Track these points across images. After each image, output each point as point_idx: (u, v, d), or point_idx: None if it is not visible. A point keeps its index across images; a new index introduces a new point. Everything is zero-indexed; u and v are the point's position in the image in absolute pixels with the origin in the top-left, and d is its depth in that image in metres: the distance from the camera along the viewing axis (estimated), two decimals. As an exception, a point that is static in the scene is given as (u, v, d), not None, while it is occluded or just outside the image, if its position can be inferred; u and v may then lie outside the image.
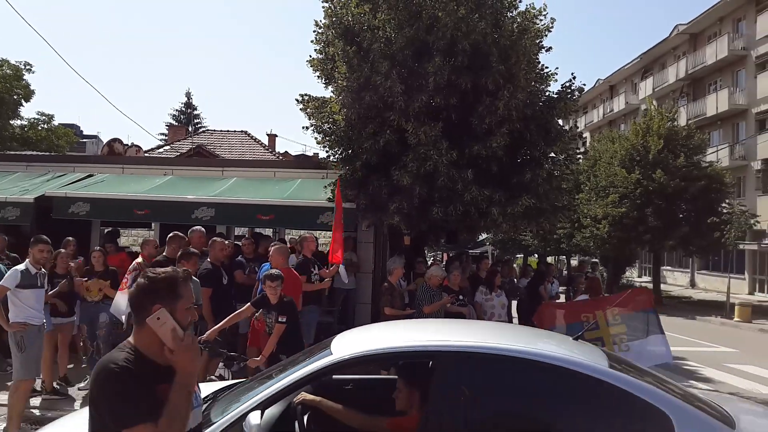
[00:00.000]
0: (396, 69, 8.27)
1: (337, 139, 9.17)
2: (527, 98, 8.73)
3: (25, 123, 34.59)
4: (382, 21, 8.47)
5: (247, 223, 10.43)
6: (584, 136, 42.78)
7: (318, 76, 9.77)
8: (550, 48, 9.28)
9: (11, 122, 33.30)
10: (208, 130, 31.98)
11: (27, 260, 6.11)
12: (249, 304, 5.89)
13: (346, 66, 8.51)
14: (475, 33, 8.13)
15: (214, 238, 7.40)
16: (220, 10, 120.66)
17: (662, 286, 26.73)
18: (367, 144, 8.49)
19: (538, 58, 9.19)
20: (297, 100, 9.94)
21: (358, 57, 8.47)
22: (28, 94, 33.68)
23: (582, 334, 4.38)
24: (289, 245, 8.67)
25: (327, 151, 9.82)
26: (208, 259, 7.12)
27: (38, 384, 7.01)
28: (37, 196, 9.38)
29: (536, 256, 33.90)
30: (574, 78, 9.40)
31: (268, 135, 30.81)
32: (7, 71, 32.39)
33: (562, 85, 9.45)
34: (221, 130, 27.69)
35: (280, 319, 5.49)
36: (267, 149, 26.22)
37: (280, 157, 24.72)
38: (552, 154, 9.55)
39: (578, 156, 10.66)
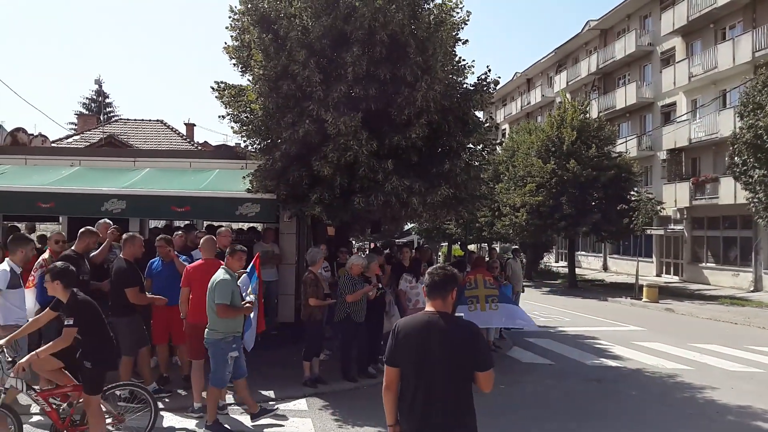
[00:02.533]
0: (314, 58, 8.17)
1: (255, 128, 9.01)
2: (445, 90, 8.84)
3: None
4: (298, 9, 8.33)
5: (161, 216, 10.09)
6: (503, 127, 44.22)
7: (234, 64, 9.53)
8: (467, 41, 9.45)
9: None
10: (121, 119, 30.57)
11: (7, 259, 5.75)
12: (48, 308, 5.21)
13: (262, 54, 8.33)
14: (393, 24, 8.14)
15: (132, 234, 7.11)
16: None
17: (577, 270, 28.05)
18: (286, 134, 8.37)
19: (455, 51, 9.32)
20: (212, 88, 9.67)
21: (275, 45, 8.31)
22: None
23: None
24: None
25: (245, 141, 9.60)
26: (122, 255, 6.78)
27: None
28: (-75, 188, 8.68)
29: (459, 244, 34.70)
30: (490, 71, 9.61)
31: (186, 124, 29.78)
32: None
33: (477, 77, 9.65)
34: (135, 119, 26.53)
35: (67, 322, 4.83)
36: (185, 139, 25.33)
37: (199, 147, 23.95)
38: (470, 145, 9.74)
39: (495, 146, 10.94)
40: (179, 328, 6.89)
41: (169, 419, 6.42)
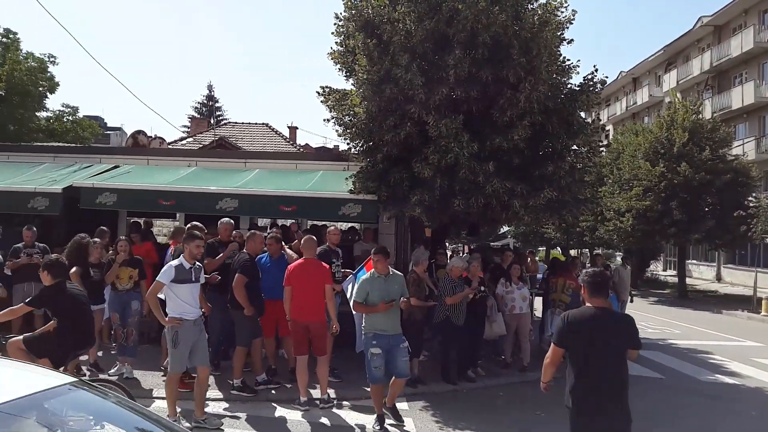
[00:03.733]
0: (416, 61, 8.28)
1: (358, 131, 9.22)
2: (549, 91, 8.66)
3: (51, 115, 35.15)
4: (401, 14, 8.48)
5: (269, 215, 10.57)
6: (607, 128, 42.15)
7: (339, 69, 9.84)
8: (572, 40, 9.21)
9: (37, 114, 33.87)
10: (229, 122, 32.27)
11: (182, 255, 6.14)
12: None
13: (366, 59, 8.54)
14: (496, 25, 8.09)
15: (253, 231, 7.58)
16: (240, 3, 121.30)
17: (688, 280, 26.37)
18: (388, 136, 8.53)
19: (559, 51, 9.12)
20: (318, 93, 10.02)
21: (378, 50, 8.50)
22: (52, 86, 34.16)
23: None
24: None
25: (348, 144, 9.87)
26: (245, 250, 7.32)
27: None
28: (65, 186, 9.61)
29: (559, 248, 33.66)
30: (596, 70, 9.30)
31: (289, 127, 30.95)
32: (32, 64, 32.91)
33: (584, 77, 9.36)
34: (243, 123, 27.92)
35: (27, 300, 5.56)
36: (288, 141, 26.36)
37: (301, 149, 24.83)
38: (574, 147, 9.48)
39: (601, 149, 10.56)
40: (286, 321, 7.20)
41: (278, 410, 6.71)
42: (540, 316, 11.18)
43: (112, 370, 7.64)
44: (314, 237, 7.27)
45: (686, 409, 7.50)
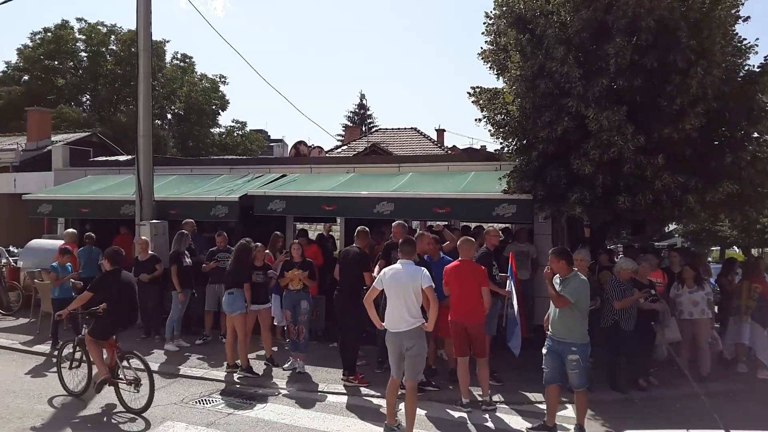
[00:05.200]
0: (572, 53, 7.96)
1: (511, 129, 9.06)
2: (724, 74, 7.87)
3: (223, 130, 38.87)
4: (556, 5, 8.22)
5: (424, 217, 10.77)
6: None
7: (489, 68, 9.73)
8: (748, 17, 8.29)
9: (211, 130, 37.62)
10: (380, 128, 33.35)
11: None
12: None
13: (519, 55, 8.38)
14: (660, 8, 7.53)
15: (421, 232, 7.81)
16: (386, 12, 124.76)
17: None
18: (544, 133, 8.27)
19: (734, 30, 8.26)
20: (468, 93, 9.97)
21: (532, 44, 8.30)
22: (224, 104, 37.84)
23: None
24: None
25: (501, 143, 9.73)
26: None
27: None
28: (241, 195, 10.58)
29: (736, 248, 30.40)
30: (779, 48, 8.28)
31: (436, 130, 31.27)
32: (206, 85, 36.63)
33: (765, 57, 8.38)
34: (392, 128, 28.73)
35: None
36: (436, 144, 26.67)
37: (449, 151, 24.96)
38: (756, 134, 8.52)
39: (789, 135, 9.37)
40: (445, 322, 7.27)
41: (440, 411, 6.77)
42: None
43: (286, 365, 8.25)
44: (472, 239, 7.28)
45: None
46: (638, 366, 7.84)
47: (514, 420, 6.55)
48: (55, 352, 7.31)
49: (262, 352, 8.53)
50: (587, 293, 6.05)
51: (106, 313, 6.54)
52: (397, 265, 5.89)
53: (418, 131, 27.45)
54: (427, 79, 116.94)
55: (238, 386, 7.54)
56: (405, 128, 27.98)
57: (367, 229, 8.13)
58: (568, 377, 5.99)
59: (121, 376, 6.55)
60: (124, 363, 6.59)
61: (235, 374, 7.90)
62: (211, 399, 7.00)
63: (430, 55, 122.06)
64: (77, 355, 7.12)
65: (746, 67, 8.48)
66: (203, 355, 8.86)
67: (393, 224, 8.16)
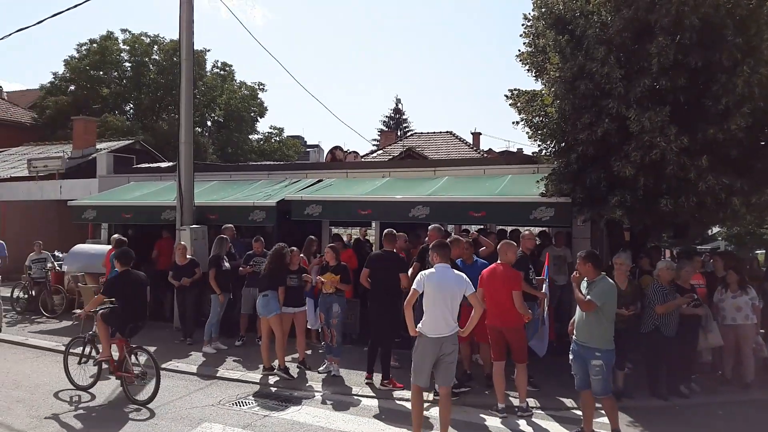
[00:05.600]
0: (613, 54, 7.81)
1: (550, 131, 8.92)
2: (772, 72, 7.62)
3: (261, 137, 39.45)
4: (596, 5, 8.07)
5: (459, 221, 10.69)
6: None
7: (527, 70, 9.61)
8: (800, 12, 7.98)
9: (250, 137, 38.22)
10: (415, 132, 33.35)
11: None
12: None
13: (558, 56, 8.27)
14: (705, 6, 7.32)
15: (456, 236, 7.76)
16: (422, 18, 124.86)
17: None
18: (583, 135, 8.12)
19: (783, 26, 7.97)
20: (506, 96, 9.87)
21: (571, 45, 8.18)
22: (262, 111, 38.39)
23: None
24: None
25: (539, 145, 9.59)
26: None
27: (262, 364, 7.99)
28: (278, 200, 10.70)
29: (785, 252, 29.28)
30: (836, 43, 7.93)
31: (472, 133, 31.15)
32: (245, 92, 37.24)
33: (818, 53, 8.04)
34: (427, 132, 28.67)
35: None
36: (471, 147, 26.53)
37: (485, 155, 24.79)
38: (807, 134, 8.19)
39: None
40: (481, 327, 7.18)
41: (474, 416, 6.71)
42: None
43: (321, 368, 8.28)
44: (512, 242, 7.19)
45: None
46: (680, 373, 7.61)
47: (552, 426, 6.43)
48: (86, 351, 7.64)
49: (297, 355, 8.58)
50: (614, 297, 5.90)
51: (119, 311, 7.10)
52: (439, 269, 5.72)
53: (454, 135, 27.34)
54: (462, 82, 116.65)
55: (273, 389, 7.60)
56: (440, 132, 27.89)
57: (395, 231, 8.13)
58: (591, 383, 5.85)
59: (128, 370, 6.96)
60: (133, 359, 7.07)
61: (270, 377, 7.97)
62: (246, 401, 7.07)
63: (465, 58, 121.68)
64: (87, 350, 7.58)
65: (796, 65, 8.17)
66: (239, 358, 8.97)
67: (429, 227, 8.13)
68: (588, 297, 5.85)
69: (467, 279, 5.76)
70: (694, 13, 7.34)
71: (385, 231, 8.07)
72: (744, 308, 8.03)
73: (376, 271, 7.75)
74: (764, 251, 32.55)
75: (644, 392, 7.48)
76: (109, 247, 11.41)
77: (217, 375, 8.14)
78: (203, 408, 6.76)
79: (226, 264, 9.73)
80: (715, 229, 29.15)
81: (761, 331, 8.81)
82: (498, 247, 7.11)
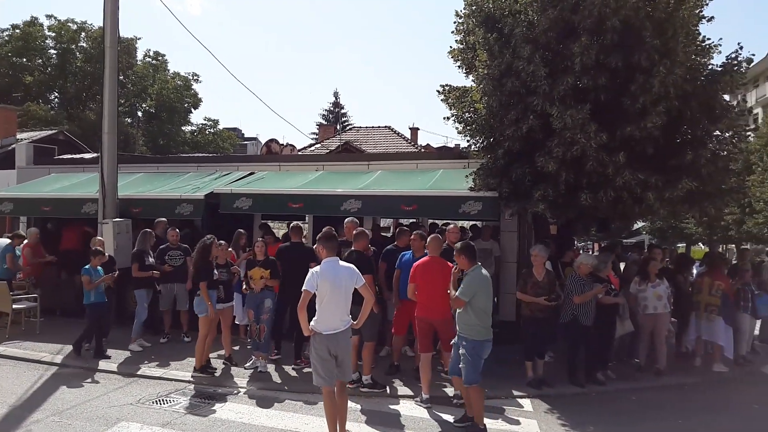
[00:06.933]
0: (539, 52, 8.02)
1: (478, 127, 9.08)
2: (686, 73, 7.99)
3: (195, 128, 38.39)
4: (523, 5, 8.25)
5: (391, 214, 10.74)
6: (755, 111, 38.29)
7: (458, 66, 9.78)
8: (712, 18, 8.45)
9: (183, 128, 37.14)
10: (354, 127, 33.29)
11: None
12: None
13: (486, 53, 8.42)
14: (626, 8, 7.62)
15: (361, 229, 7.73)
16: (365, 11, 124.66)
17: None
18: (510, 131, 8.31)
19: (698, 30, 8.39)
20: (438, 91, 10.00)
21: (499, 43, 8.34)
22: (196, 102, 37.37)
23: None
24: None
25: (468, 141, 9.77)
26: (353, 248, 7.43)
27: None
28: (206, 193, 10.42)
29: (701, 245, 31.02)
30: (741, 48, 8.41)
31: (410, 129, 31.36)
32: (179, 83, 36.14)
33: (726, 57, 8.52)
34: (366, 127, 28.68)
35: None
36: (409, 142, 26.72)
37: (422, 149, 25.03)
38: (717, 132, 8.67)
39: (748, 133, 9.56)
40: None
41: (400, 406, 6.78)
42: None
43: (248, 364, 8.14)
44: (440, 236, 7.26)
45: None
46: (597, 360, 7.93)
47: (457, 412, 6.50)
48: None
49: (223, 351, 8.40)
50: (484, 287, 6.00)
51: None
52: (330, 265, 5.53)
53: (392, 130, 27.47)
54: (402, 77, 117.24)
55: (197, 386, 7.41)
56: (379, 127, 27.97)
57: (299, 226, 8.57)
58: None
59: None
60: None
61: (190, 374, 7.76)
62: (169, 399, 6.86)
63: (406, 53, 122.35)
64: None
65: (710, 67, 8.63)
66: (164, 355, 8.70)
67: (345, 221, 8.18)
68: (456, 294, 6.01)
69: (357, 271, 5.66)
70: (615, 15, 7.62)
71: (292, 224, 8.33)
72: (663, 296, 8.46)
73: (285, 263, 8.08)
74: (685, 245, 34.44)
75: (564, 380, 7.74)
76: (8, 241, 11.03)
77: (138, 373, 7.87)
78: (121, 407, 6.51)
79: (150, 259, 9.41)
80: (640, 224, 30.53)
81: (672, 319, 9.33)
82: (428, 241, 7.18)
